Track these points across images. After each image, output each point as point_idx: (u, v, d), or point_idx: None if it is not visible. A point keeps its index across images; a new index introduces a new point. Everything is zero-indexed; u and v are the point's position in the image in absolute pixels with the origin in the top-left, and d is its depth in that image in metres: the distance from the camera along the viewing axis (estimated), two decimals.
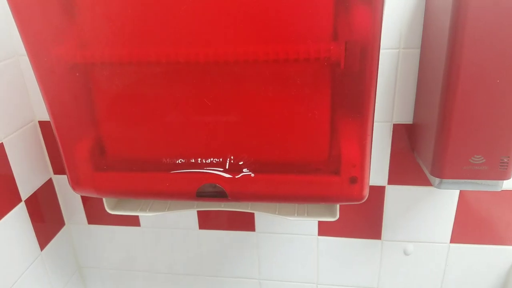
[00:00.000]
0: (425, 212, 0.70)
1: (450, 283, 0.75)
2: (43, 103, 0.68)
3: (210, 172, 0.48)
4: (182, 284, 0.85)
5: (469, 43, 0.46)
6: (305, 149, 0.46)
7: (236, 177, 0.47)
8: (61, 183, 0.77)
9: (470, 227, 0.70)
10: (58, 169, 0.76)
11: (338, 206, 0.51)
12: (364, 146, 0.44)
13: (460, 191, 0.68)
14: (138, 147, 0.48)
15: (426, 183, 0.68)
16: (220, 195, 0.49)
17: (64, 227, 0.81)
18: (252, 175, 0.47)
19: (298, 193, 0.48)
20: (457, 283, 0.75)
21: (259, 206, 0.54)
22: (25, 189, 0.69)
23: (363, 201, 0.47)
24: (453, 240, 0.72)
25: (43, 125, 0.72)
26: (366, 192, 0.47)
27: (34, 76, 0.67)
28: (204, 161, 0.47)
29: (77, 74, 0.44)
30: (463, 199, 0.68)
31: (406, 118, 0.64)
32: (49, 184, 0.76)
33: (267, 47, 0.39)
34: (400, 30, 0.58)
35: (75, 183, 0.50)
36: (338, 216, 0.51)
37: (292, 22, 0.38)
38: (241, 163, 0.47)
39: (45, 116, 0.71)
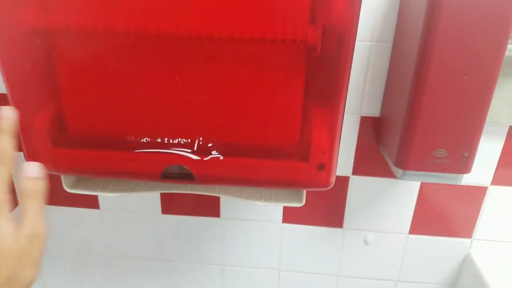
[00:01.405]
0: (386, 203, 0.72)
1: (407, 272, 0.78)
2: None
3: (177, 153, 0.46)
4: (142, 269, 0.84)
5: (441, 39, 0.47)
6: (276, 134, 0.45)
7: (204, 159, 0.46)
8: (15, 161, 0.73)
9: (428, 219, 0.73)
10: None
11: (304, 192, 0.51)
12: (334, 134, 0.44)
13: (421, 184, 0.70)
14: (101, 123, 0.46)
15: (389, 175, 0.70)
16: (186, 177, 0.47)
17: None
18: (221, 157, 0.46)
19: (266, 178, 0.47)
20: (414, 273, 0.78)
21: (226, 190, 0.53)
22: None
23: (329, 187, 0.48)
24: (412, 231, 0.74)
25: None
26: (333, 179, 0.47)
27: None
28: (171, 141, 0.46)
29: (38, 40, 0.41)
30: (423, 192, 0.71)
31: (374, 111, 0.65)
32: None
33: (243, 24, 0.38)
34: (373, 23, 0.58)
35: (32, 159, 0.47)
36: (304, 202, 0.51)
37: (270, 2, 0.38)
38: (210, 145, 0.46)
39: None
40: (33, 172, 0.39)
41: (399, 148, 0.55)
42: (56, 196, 0.76)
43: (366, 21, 0.58)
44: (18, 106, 0.44)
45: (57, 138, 0.46)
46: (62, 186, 0.73)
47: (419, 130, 0.52)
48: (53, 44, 0.42)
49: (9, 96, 0.44)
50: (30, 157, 0.48)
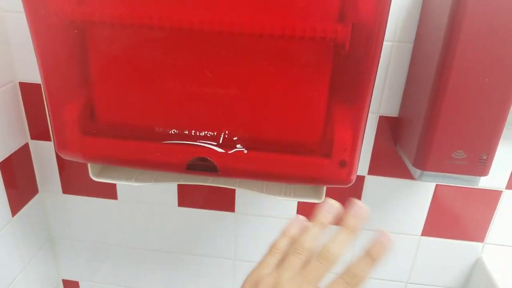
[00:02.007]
0: (400, 204, 0.73)
1: (417, 274, 0.79)
2: (26, 63, 0.66)
3: (202, 146, 0.47)
4: (156, 260, 0.85)
5: (464, 41, 0.48)
6: (300, 130, 0.46)
7: (229, 152, 0.47)
8: (38, 148, 0.75)
9: (441, 221, 0.73)
10: (36, 134, 0.73)
11: (325, 188, 0.52)
12: (358, 132, 0.45)
13: (436, 186, 0.71)
14: (131, 114, 0.47)
15: (404, 176, 0.70)
16: (210, 170, 0.49)
17: (37, 195, 0.79)
18: (245, 151, 0.47)
19: (288, 173, 0.48)
20: (424, 275, 0.79)
21: (246, 184, 0.54)
22: (0, 152, 0.66)
23: (349, 184, 0.49)
24: (424, 233, 0.75)
25: (23, 86, 0.69)
26: (354, 177, 0.48)
27: (19, 35, 0.64)
28: (197, 134, 0.47)
29: (75, 31, 0.43)
30: (437, 194, 0.71)
31: (392, 111, 0.65)
32: (25, 149, 0.73)
33: (273, 21, 0.39)
34: (395, 23, 0.59)
35: (62, 147, 0.49)
36: (323, 198, 0.52)
37: None
38: (235, 138, 0.47)
39: (27, 78, 0.68)
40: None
41: (418, 149, 0.56)
42: (74, 186, 0.78)
43: (388, 21, 0.59)
44: (51, 93, 0.46)
45: (87, 127, 0.48)
46: (82, 176, 0.75)
47: (439, 131, 0.53)
48: (89, 35, 0.43)
49: (43, 84, 0.46)
50: (60, 145, 0.49)
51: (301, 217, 0.38)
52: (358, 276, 0.34)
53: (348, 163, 0.46)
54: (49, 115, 0.47)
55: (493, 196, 0.70)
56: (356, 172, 0.48)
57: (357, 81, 0.42)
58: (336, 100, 0.44)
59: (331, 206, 0.37)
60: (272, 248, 0.37)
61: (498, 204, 0.71)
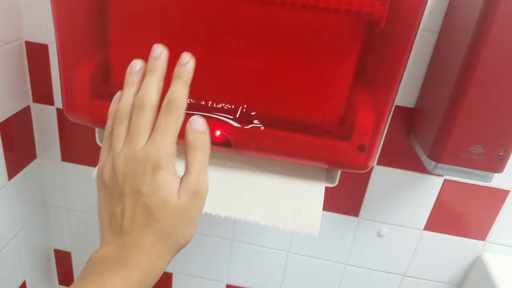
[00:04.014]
0: (406, 197, 0.72)
1: (415, 268, 0.78)
2: (35, 22, 0.63)
3: (218, 118, 0.45)
4: None
5: (496, 35, 0.46)
6: (320, 110, 0.45)
7: (245, 127, 0.46)
8: (39, 112, 0.72)
9: (445, 217, 0.73)
10: (39, 97, 0.71)
11: (339, 172, 0.51)
12: (382, 116, 0.43)
13: (444, 181, 0.70)
14: None
15: (414, 168, 0.69)
16: (224, 144, 0.47)
17: (35, 160, 0.76)
18: (262, 128, 0.45)
19: (304, 153, 0.47)
20: (422, 269, 0.78)
21: (259, 163, 0.52)
22: (0, 112, 0.64)
23: (366, 170, 0.47)
24: (427, 227, 0.74)
25: (30, 46, 0.66)
26: (371, 162, 0.46)
27: None
28: (214, 105, 0.45)
29: None
30: (445, 190, 0.70)
31: (409, 101, 0.64)
32: (26, 112, 0.71)
33: None
34: None
35: (70, 108, 0.46)
36: (337, 182, 0.50)
37: None
38: (253, 113, 0.45)
39: (34, 37, 0.65)
40: (201, 126, 0.37)
41: (435, 140, 0.54)
42: (74, 154, 0.76)
43: None
44: (65, 52, 0.43)
45: (99, 89, 0.45)
46: (83, 144, 0.73)
47: (459, 123, 0.52)
48: None
49: (57, 41, 0.43)
50: (68, 106, 0.47)
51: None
52: (174, 99, 0.35)
53: (367, 148, 0.45)
54: (60, 74, 0.45)
55: (500, 195, 0.69)
56: (375, 158, 0.46)
57: (388, 62, 0.40)
58: (362, 80, 0.42)
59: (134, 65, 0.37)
60: (106, 134, 0.38)
61: (505, 203, 0.70)
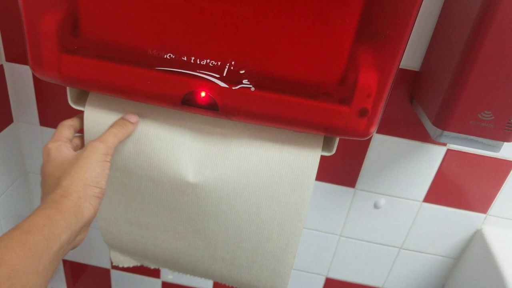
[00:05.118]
0: (406, 167, 0.68)
1: (412, 241, 0.76)
2: None
3: (202, 76, 0.40)
4: None
5: None
6: (318, 68, 0.40)
7: (233, 88, 0.41)
8: (14, 73, 0.67)
9: (446, 188, 0.69)
10: (12, 56, 0.65)
11: (337, 140, 0.46)
12: (388, 76, 0.38)
13: (446, 151, 0.66)
14: (120, 30, 0.39)
15: (416, 137, 0.65)
16: (209, 107, 0.42)
17: (12, 124, 0.71)
18: (252, 89, 0.41)
19: (298, 119, 0.42)
20: (420, 242, 0.76)
21: (247, 128, 0.48)
22: None
23: (367, 138, 0.43)
24: (427, 199, 0.71)
25: None
26: (373, 129, 0.42)
27: None
28: (198, 62, 0.40)
29: None
30: (447, 160, 0.66)
31: (414, 64, 0.59)
32: None
33: None
34: None
35: (37, 64, 0.41)
36: (334, 151, 0.46)
37: None
38: (242, 72, 0.40)
39: None
40: (132, 118, 0.47)
41: (442, 106, 0.50)
42: (53, 118, 0.71)
43: None
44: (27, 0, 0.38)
45: (68, 43, 0.40)
46: (62, 107, 0.68)
47: (469, 88, 0.47)
48: None
49: None
50: (35, 62, 0.41)
51: None
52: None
53: (369, 112, 0.40)
54: (23, 24, 0.40)
55: (504, 167, 0.66)
56: (377, 124, 0.42)
57: (397, 12, 0.35)
58: (366, 33, 0.37)
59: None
60: None
61: (509, 176, 0.67)
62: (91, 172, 0.41)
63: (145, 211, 0.53)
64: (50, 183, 0.41)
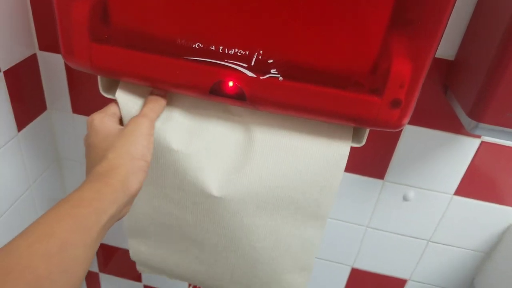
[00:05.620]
0: (437, 159, 0.66)
1: (442, 234, 0.74)
2: None
3: (230, 66, 0.40)
4: None
5: None
6: (349, 57, 0.39)
7: (261, 78, 0.40)
8: (47, 62, 0.68)
9: (478, 182, 0.67)
10: (45, 45, 0.66)
11: (367, 131, 0.45)
12: (422, 66, 0.37)
13: (480, 144, 0.63)
14: (150, 20, 0.39)
15: (448, 129, 0.63)
16: (237, 97, 0.42)
17: (45, 112, 0.73)
18: (281, 78, 0.40)
19: (328, 109, 0.41)
20: (449, 235, 0.74)
21: (274, 119, 0.47)
22: (5, 59, 0.60)
23: (399, 129, 0.42)
24: (458, 192, 0.69)
25: None
26: (406, 120, 0.41)
27: None
28: (226, 51, 0.39)
29: None
30: (480, 153, 0.64)
31: (449, 53, 0.57)
32: (32, 60, 0.67)
33: None
34: None
35: (68, 53, 0.42)
36: (364, 142, 0.45)
37: None
38: (270, 61, 0.39)
39: None
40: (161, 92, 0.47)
41: (478, 97, 0.48)
42: (86, 105, 0.72)
43: None
44: None
45: (98, 32, 0.40)
46: (94, 95, 0.69)
47: (507, 79, 0.45)
48: None
49: None
50: (67, 51, 0.42)
51: None
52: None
53: (402, 103, 0.39)
54: (55, 14, 0.40)
55: None
56: (410, 116, 0.40)
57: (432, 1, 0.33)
58: (401, 20, 0.35)
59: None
60: None
61: None
62: (137, 145, 0.40)
63: (176, 238, 0.56)
64: (96, 155, 0.41)
